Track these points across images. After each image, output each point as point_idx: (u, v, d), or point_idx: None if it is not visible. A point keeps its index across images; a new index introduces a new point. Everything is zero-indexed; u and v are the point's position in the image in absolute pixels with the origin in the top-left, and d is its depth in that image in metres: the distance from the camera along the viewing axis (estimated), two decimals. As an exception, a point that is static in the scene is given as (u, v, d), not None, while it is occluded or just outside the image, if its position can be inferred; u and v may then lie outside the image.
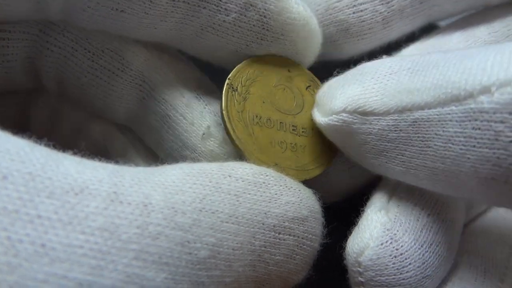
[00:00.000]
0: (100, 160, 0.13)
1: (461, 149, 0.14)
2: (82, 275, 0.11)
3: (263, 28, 0.18)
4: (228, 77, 0.18)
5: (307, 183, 0.17)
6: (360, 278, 0.16)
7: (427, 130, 0.15)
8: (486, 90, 0.13)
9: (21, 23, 0.18)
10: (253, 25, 0.18)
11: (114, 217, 0.12)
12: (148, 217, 0.12)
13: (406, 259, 0.16)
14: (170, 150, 0.20)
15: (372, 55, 0.21)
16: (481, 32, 0.22)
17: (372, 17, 0.21)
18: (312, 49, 0.20)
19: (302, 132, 0.19)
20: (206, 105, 0.19)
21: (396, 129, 0.16)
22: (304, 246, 0.16)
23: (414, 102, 0.15)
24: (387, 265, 0.16)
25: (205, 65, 0.21)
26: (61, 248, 0.11)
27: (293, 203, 0.15)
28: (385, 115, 0.16)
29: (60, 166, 0.12)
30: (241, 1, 0.17)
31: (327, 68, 0.20)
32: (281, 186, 0.16)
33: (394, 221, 0.16)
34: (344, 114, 0.17)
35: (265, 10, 0.18)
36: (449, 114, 0.14)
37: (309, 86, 0.20)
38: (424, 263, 0.16)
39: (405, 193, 0.18)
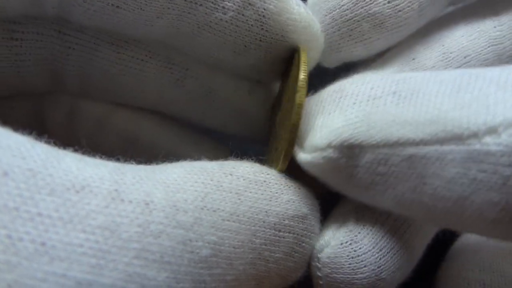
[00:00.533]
0: (133, 154, 0.13)
1: (464, 191, 0.13)
2: (82, 274, 0.10)
3: (262, 29, 0.17)
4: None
5: None
6: (318, 273, 0.16)
7: (423, 168, 0.13)
8: (492, 131, 0.12)
9: (37, 24, 0.18)
10: (251, 25, 0.17)
11: (115, 215, 0.11)
12: (149, 215, 0.12)
13: (362, 261, 0.16)
14: (219, 117, 0.21)
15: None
16: (487, 26, 0.20)
17: (409, 5, 0.19)
18: (314, 53, 0.19)
19: None
20: (241, 74, 0.20)
21: (387, 163, 0.14)
22: (303, 244, 0.16)
23: (407, 138, 0.13)
24: (343, 264, 0.16)
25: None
26: (61, 247, 0.10)
27: (293, 201, 0.15)
28: (374, 148, 0.14)
29: (61, 163, 0.12)
30: (239, 0, 0.17)
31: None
32: (281, 184, 0.15)
33: (357, 223, 0.16)
34: (329, 150, 0.15)
35: (264, 9, 0.17)
36: (449, 153, 0.13)
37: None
38: (380, 267, 0.16)
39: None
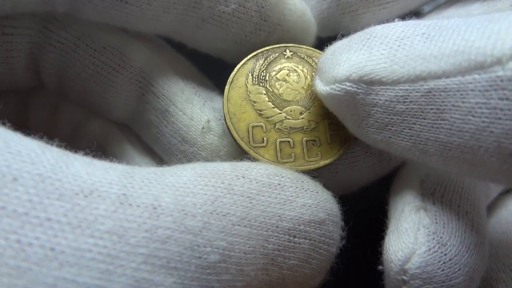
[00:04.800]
0: (109, 160, 0.13)
1: (483, 121, 0.13)
2: (91, 280, 0.11)
3: (261, 19, 0.19)
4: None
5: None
6: (404, 287, 0.15)
7: (442, 102, 0.13)
8: None
9: (26, 19, 0.18)
10: (252, 16, 0.18)
11: (123, 220, 0.12)
12: (157, 220, 0.12)
13: (455, 264, 0.15)
14: (168, 145, 0.20)
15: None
16: (503, 3, 0.20)
17: None
18: (308, 39, 0.20)
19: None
20: (205, 101, 0.20)
21: (406, 100, 0.14)
22: (321, 251, 0.15)
23: (429, 71, 0.13)
24: (436, 272, 0.15)
25: (201, 64, 0.21)
26: (70, 252, 0.11)
27: (309, 206, 0.15)
28: (394, 84, 0.14)
29: (70, 168, 0.12)
30: None
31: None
32: (297, 188, 0.15)
33: (437, 223, 0.15)
34: (348, 83, 0.15)
35: (263, 1, 0.18)
36: (470, 83, 0.13)
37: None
38: (471, 267, 0.15)
39: (435, 185, 0.17)
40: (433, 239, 0.15)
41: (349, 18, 0.21)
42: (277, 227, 0.14)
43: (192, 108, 0.19)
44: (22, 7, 0.17)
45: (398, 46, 0.14)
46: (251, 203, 0.14)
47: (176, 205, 0.12)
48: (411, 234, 0.15)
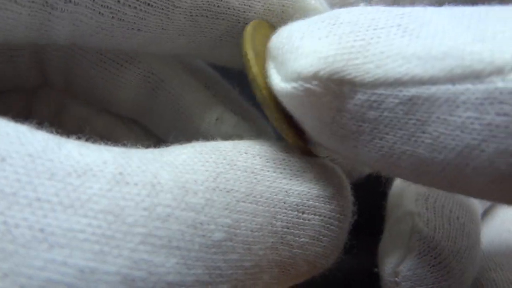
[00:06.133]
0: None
1: (474, 139, 0.11)
2: (84, 261, 0.10)
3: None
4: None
5: None
6: None
7: (425, 112, 0.11)
8: None
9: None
10: None
11: (119, 198, 0.11)
12: (156, 197, 0.11)
13: (444, 267, 0.15)
14: (182, 138, 0.19)
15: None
16: None
17: None
18: None
19: None
20: (216, 92, 0.19)
21: (380, 106, 0.12)
22: (332, 227, 0.14)
23: (412, 74, 0.11)
24: (425, 274, 0.15)
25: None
26: (61, 233, 0.10)
27: (318, 180, 0.14)
28: (367, 87, 0.12)
29: (62, 149, 0.11)
30: (261, 9, 0.16)
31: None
32: (303, 162, 0.14)
33: (428, 227, 0.15)
34: (315, 82, 0.12)
35: (282, 12, 0.17)
36: (462, 94, 0.11)
37: None
38: (461, 270, 0.15)
39: (430, 191, 0.17)
40: (424, 243, 0.15)
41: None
42: (284, 202, 0.13)
43: (204, 100, 0.19)
44: (16, 41, 0.16)
45: (371, 38, 0.12)
46: (255, 178, 0.13)
47: (176, 182, 0.12)
48: (404, 239, 0.16)
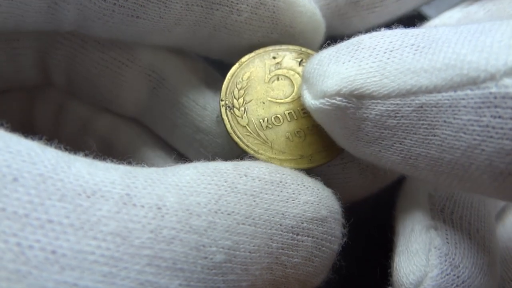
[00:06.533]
0: (109, 159, 0.13)
1: (474, 139, 0.12)
2: (93, 283, 0.10)
3: (273, 23, 0.18)
4: (221, 98, 0.18)
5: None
6: None
7: (434, 117, 0.13)
8: None
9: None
10: (264, 22, 0.18)
11: (127, 221, 0.11)
12: (162, 220, 0.12)
13: (468, 286, 0.14)
14: (183, 136, 0.20)
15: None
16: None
17: None
18: (318, 37, 0.20)
19: None
20: (216, 90, 0.20)
21: (397, 115, 0.14)
22: (323, 248, 0.15)
23: (420, 85, 0.13)
24: None
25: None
26: (72, 255, 0.10)
27: (311, 203, 0.15)
28: (385, 99, 0.14)
29: (71, 168, 0.12)
30: (253, 1, 0.18)
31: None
32: (298, 185, 0.15)
33: (448, 243, 0.15)
34: (338, 98, 0.14)
35: (274, 6, 0.18)
36: (463, 99, 0.12)
37: (301, 60, 0.19)
38: None
39: (445, 200, 0.16)
40: (446, 261, 0.15)
41: (338, 22, 0.21)
42: (280, 225, 0.14)
43: (205, 98, 0.19)
44: (25, 27, 0.17)
45: (388, 58, 0.14)
46: (254, 201, 0.14)
47: (180, 204, 0.12)
48: (423, 256, 0.15)
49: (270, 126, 0.18)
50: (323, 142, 0.17)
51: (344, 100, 0.14)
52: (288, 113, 0.18)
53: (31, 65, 0.19)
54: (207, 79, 0.20)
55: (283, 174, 0.15)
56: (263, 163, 0.15)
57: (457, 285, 0.14)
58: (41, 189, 0.11)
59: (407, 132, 0.14)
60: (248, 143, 0.17)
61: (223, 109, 0.18)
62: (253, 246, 0.13)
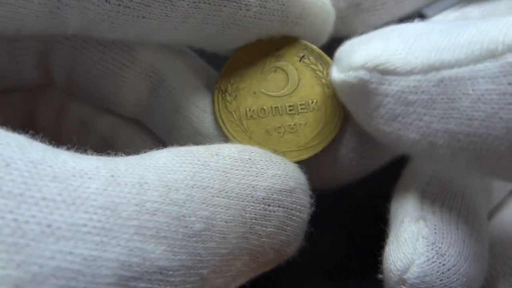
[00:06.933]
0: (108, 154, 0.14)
1: (492, 108, 0.13)
2: (87, 251, 0.11)
3: (283, 16, 0.18)
4: (216, 82, 0.18)
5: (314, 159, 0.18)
6: None
7: (453, 91, 0.14)
8: None
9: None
10: (273, 15, 0.18)
11: (113, 196, 0.12)
12: (144, 195, 0.13)
13: (453, 274, 0.15)
14: (181, 138, 0.20)
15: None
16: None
17: None
18: (328, 28, 0.20)
19: (301, 109, 0.19)
20: None
21: (418, 91, 0.14)
22: (294, 217, 0.16)
23: (442, 60, 0.14)
24: (434, 282, 0.15)
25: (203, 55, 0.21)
26: (66, 227, 0.11)
27: (279, 176, 0.16)
28: (408, 75, 0.15)
29: (58, 157, 0.13)
30: None
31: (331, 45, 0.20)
32: (266, 161, 0.16)
33: (436, 233, 0.16)
34: (362, 71, 0.15)
35: None
36: (481, 71, 0.13)
37: (303, 56, 0.19)
38: (469, 277, 0.15)
39: (436, 194, 0.17)
40: (432, 249, 0.15)
41: (340, 24, 0.21)
42: (252, 197, 0.15)
43: (204, 101, 0.19)
44: (27, 31, 0.17)
45: (415, 40, 0.15)
46: (226, 176, 0.15)
47: (160, 181, 0.13)
48: (410, 245, 0.16)
49: (254, 116, 0.19)
50: (299, 143, 0.19)
51: (368, 74, 0.15)
52: (275, 108, 0.19)
53: (33, 66, 0.20)
54: (208, 81, 0.20)
55: (252, 152, 0.16)
56: (232, 144, 0.17)
57: (442, 273, 0.15)
58: (33, 172, 0.12)
59: (426, 108, 0.14)
60: (229, 129, 0.18)
61: (215, 92, 0.18)
62: (228, 216, 0.14)
